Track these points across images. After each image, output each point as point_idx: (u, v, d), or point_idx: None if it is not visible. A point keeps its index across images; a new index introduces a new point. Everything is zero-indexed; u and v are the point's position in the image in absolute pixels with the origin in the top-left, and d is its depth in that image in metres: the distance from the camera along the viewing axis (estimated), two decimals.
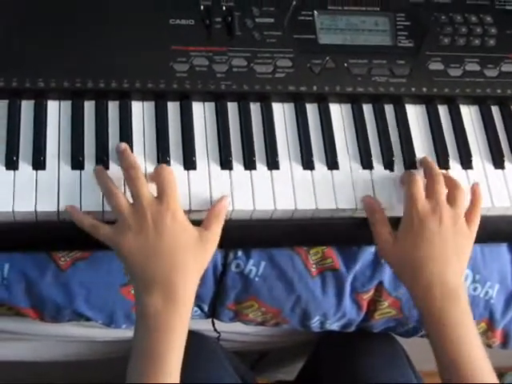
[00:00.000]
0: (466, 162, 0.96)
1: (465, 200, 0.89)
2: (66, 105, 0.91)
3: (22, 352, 1.22)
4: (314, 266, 0.95)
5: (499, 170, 0.97)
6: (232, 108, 0.94)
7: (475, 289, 0.99)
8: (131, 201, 0.82)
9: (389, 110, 0.98)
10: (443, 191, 0.88)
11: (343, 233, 0.94)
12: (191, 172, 0.88)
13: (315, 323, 1.01)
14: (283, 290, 0.95)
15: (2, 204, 0.82)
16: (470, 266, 0.98)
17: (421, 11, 1.02)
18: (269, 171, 0.91)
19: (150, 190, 0.82)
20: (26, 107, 0.89)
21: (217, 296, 0.96)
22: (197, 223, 0.83)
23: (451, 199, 0.87)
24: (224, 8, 0.97)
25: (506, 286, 1.00)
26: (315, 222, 0.91)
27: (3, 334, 1.11)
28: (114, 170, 0.86)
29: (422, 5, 1.02)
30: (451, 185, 0.89)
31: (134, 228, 0.80)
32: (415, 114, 0.99)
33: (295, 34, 0.97)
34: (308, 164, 0.92)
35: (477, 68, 1.00)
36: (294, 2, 0.99)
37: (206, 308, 0.98)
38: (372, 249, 0.96)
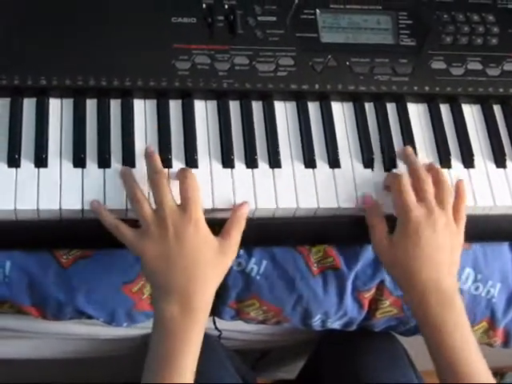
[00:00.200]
0: (468, 161, 0.96)
1: (451, 194, 0.89)
2: (68, 103, 0.91)
3: (24, 350, 1.22)
4: (315, 264, 0.95)
5: (501, 169, 0.97)
6: (234, 106, 0.94)
7: (477, 288, 0.99)
8: (153, 204, 0.82)
9: (391, 108, 0.98)
10: (432, 191, 0.88)
11: (345, 231, 0.94)
12: (193, 170, 0.88)
13: (316, 322, 1.01)
14: (285, 289, 0.95)
15: (4, 202, 0.83)
16: (472, 265, 0.98)
17: (423, 10, 1.02)
18: (271, 170, 0.91)
19: (174, 188, 0.83)
20: (28, 105, 0.89)
21: (218, 294, 0.96)
22: None
23: (439, 200, 0.87)
24: (226, 6, 0.97)
25: (508, 285, 1.00)
26: (317, 221, 0.91)
27: (5, 331, 1.11)
28: (114, 168, 0.87)
29: (425, 3, 1.03)
30: (437, 182, 0.89)
31: (156, 236, 0.80)
32: (417, 113, 0.99)
33: (297, 33, 0.97)
34: (310, 162, 0.92)
35: (479, 67, 1.00)
36: (297, 1, 0.99)
37: None
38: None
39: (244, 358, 1.28)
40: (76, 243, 0.89)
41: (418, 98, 0.99)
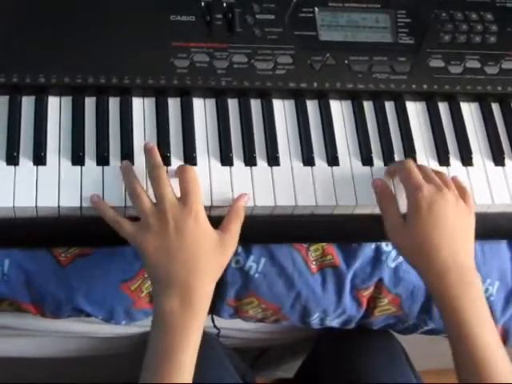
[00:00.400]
0: (467, 159, 0.96)
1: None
2: (67, 101, 0.91)
3: (22, 348, 1.22)
4: (314, 262, 0.95)
5: (499, 167, 0.97)
6: (232, 104, 0.94)
7: None
8: (153, 198, 0.83)
9: (389, 106, 0.98)
10: (435, 176, 0.88)
11: (343, 229, 0.94)
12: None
13: (315, 320, 1.01)
14: (283, 287, 0.95)
15: (3, 199, 0.83)
16: None
17: (421, 8, 1.02)
18: (269, 167, 0.91)
19: (173, 184, 0.83)
20: (27, 103, 0.89)
21: (217, 292, 0.96)
22: None
23: (444, 182, 0.88)
24: (225, 4, 0.97)
25: (506, 284, 1.00)
26: (315, 219, 0.91)
27: (4, 329, 1.11)
28: (113, 166, 0.87)
29: (423, 2, 1.03)
30: (435, 171, 0.90)
31: (156, 229, 0.80)
32: (416, 111, 0.99)
33: (296, 31, 0.97)
34: (308, 160, 0.92)
35: (477, 65, 1.00)
36: None
37: None
38: (372, 246, 0.96)
39: (243, 357, 1.28)
40: (74, 241, 0.89)
41: (417, 96, 0.99)
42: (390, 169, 0.92)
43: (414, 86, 0.98)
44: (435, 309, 0.98)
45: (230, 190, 0.88)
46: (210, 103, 0.94)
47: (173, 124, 0.91)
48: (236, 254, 0.93)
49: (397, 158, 0.94)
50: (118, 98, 0.92)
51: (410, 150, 0.95)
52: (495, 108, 1.01)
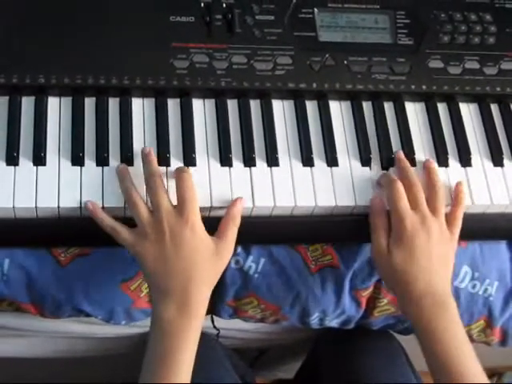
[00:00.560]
0: (465, 160, 0.96)
1: (444, 200, 0.90)
2: (67, 101, 0.91)
3: (22, 348, 1.23)
4: (313, 262, 0.95)
5: (498, 168, 0.97)
6: (232, 105, 0.94)
7: (474, 286, 0.99)
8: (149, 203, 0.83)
9: (388, 107, 0.99)
10: (424, 198, 0.88)
11: (342, 230, 0.94)
12: (191, 169, 0.88)
13: (314, 320, 1.01)
14: (282, 287, 0.95)
15: (3, 200, 0.83)
16: (469, 264, 0.98)
17: (421, 9, 1.02)
18: (268, 168, 0.91)
19: (170, 189, 0.84)
20: (27, 103, 0.90)
21: (216, 293, 0.96)
22: None
23: (432, 207, 0.88)
24: (224, 5, 0.97)
25: (505, 284, 1.00)
26: (314, 219, 0.91)
27: (3, 330, 1.11)
28: (113, 166, 0.87)
29: (422, 3, 1.03)
30: (430, 186, 0.90)
31: (153, 238, 0.81)
32: (415, 112, 0.99)
33: (295, 32, 0.98)
34: (308, 161, 0.92)
35: (476, 66, 1.00)
36: (295, 0, 0.99)
37: None
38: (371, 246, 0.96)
39: (242, 357, 1.28)
40: (74, 241, 0.90)
41: (416, 96, 0.99)
42: (381, 181, 0.92)
43: (413, 87, 0.98)
44: None
45: (229, 190, 0.88)
46: (210, 104, 0.94)
47: (172, 125, 0.91)
48: (235, 254, 0.93)
49: (396, 158, 0.94)
50: (117, 99, 0.92)
51: (408, 151, 0.95)
52: (494, 109, 1.01)
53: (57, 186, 0.85)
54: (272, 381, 1.69)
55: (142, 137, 0.90)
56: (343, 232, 0.94)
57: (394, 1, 1.02)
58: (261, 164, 0.91)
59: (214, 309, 0.99)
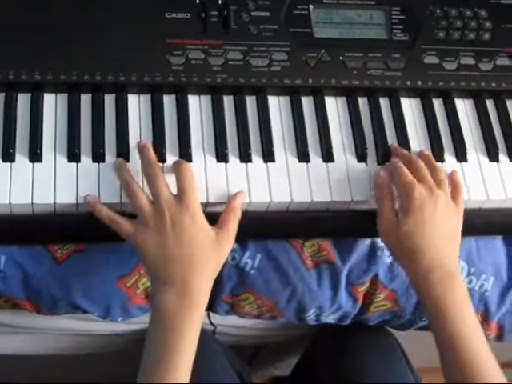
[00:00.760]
0: (461, 155, 0.96)
1: (447, 181, 0.90)
2: (63, 98, 0.91)
3: (17, 345, 1.22)
4: (309, 258, 0.95)
5: (494, 163, 0.97)
6: (228, 101, 0.94)
7: (470, 281, 1.00)
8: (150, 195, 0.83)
9: (384, 103, 0.99)
10: (428, 173, 0.89)
11: (338, 225, 0.94)
12: None
13: (311, 316, 1.01)
14: (279, 283, 0.95)
15: None
16: (465, 259, 0.98)
17: (416, 5, 1.03)
18: (264, 164, 0.91)
19: (168, 180, 0.83)
20: (23, 100, 0.90)
21: (212, 288, 0.96)
22: None
23: (437, 180, 0.88)
24: (220, 1, 0.97)
25: (501, 279, 1.01)
26: (310, 215, 0.91)
27: (0, 327, 1.11)
28: (109, 162, 0.87)
29: None
30: (431, 168, 0.90)
31: (154, 227, 0.81)
32: (410, 108, 0.99)
33: (291, 28, 0.98)
34: (303, 157, 0.92)
35: (472, 62, 1.00)
36: None
37: None
38: (367, 241, 0.96)
39: (239, 354, 1.28)
40: (70, 238, 0.90)
41: (411, 92, 0.99)
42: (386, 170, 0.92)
43: (408, 83, 0.98)
44: None
45: (225, 186, 0.88)
46: (206, 100, 0.94)
47: (168, 121, 0.91)
48: (232, 250, 0.93)
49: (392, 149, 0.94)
50: (113, 95, 0.92)
51: (404, 147, 0.95)
52: (489, 104, 1.01)
53: (53, 182, 0.85)
54: (268, 378, 1.69)
55: (138, 133, 0.90)
56: (339, 227, 0.94)
57: None
58: (257, 160, 0.91)
59: (210, 305, 0.99)
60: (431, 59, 0.99)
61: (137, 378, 0.80)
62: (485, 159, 0.97)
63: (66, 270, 0.90)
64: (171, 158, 0.89)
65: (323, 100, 0.97)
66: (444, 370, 0.85)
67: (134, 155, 0.88)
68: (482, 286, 1.00)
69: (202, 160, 0.90)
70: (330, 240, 0.96)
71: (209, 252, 0.82)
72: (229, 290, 0.96)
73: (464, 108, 1.01)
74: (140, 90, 0.93)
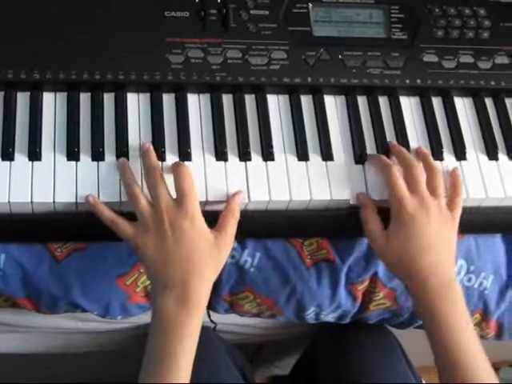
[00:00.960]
0: (460, 154, 0.97)
1: (442, 180, 0.90)
2: (62, 97, 0.91)
3: (15, 344, 1.22)
4: (308, 256, 0.95)
5: (493, 162, 0.97)
6: (227, 100, 0.94)
7: (469, 279, 1.00)
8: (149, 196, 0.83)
9: (383, 101, 0.99)
10: (423, 179, 0.89)
11: (338, 224, 0.94)
12: (186, 163, 0.88)
13: (310, 314, 1.01)
14: (278, 281, 0.95)
15: None
16: (464, 257, 0.98)
17: (415, 4, 1.03)
18: (264, 162, 0.91)
19: (168, 181, 0.84)
20: (22, 99, 0.90)
21: (212, 287, 0.96)
22: None
23: (431, 189, 0.88)
24: (219, 0, 0.97)
25: (500, 277, 1.01)
26: (310, 214, 0.91)
27: (0, 326, 1.11)
28: (108, 161, 0.87)
29: None
30: (427, 168, 0.90)
31: (153, 231, 0.81)
32: (409, 106, 0.99)
33: (290, 26, 0.98)
34: (303, 155, 0.92)
35: (471, 60, 1.01)
36: None
37: None
38: (366, 240, 0.96)
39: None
40: (70, 236, 0.90)
41: (410, 91, 0.99)
42: (374, 161, 0.93)
43: (407, 81, 0.98)
44: None
45: (224, 185, 0.88)
46: (205, 98, 0.94)
47: (167, 119, 0.91)
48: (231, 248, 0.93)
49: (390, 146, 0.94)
50: (112, 94, 0.92)
51: (403, 145, 0.95)
52: (488, 103, 1.01)
53: (52, 180, 0.85)
54: (268, 377, 1.69)
55: (138, 132, 0.90)
56: (338, 226, 0.94)
57: None
58: (256, 158, 0.91)
59: (209, 303, 0.99)
60: (430, 58, 1.00)
61: (138, 377, 0.80)
62: (484, 158, 0.97)
63: (66, 268, 0.90)
64: (170, 156, 0.89)
65: (322, 99, 0.97)
66: (439, 371, 0.85)
67: (133, 154, 0.88)
68: (481, 284, 1.00)
69: (201, 159, 0.90)
70: (329, 239, 0.96)
71: (208, 256, 0.83)
72: (228, 288, 0.96)
73: (463, 106, 1.01)
74: (139, 89, 0.93)
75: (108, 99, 0.92)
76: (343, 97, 0.98)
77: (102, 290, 0.92)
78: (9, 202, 0.83)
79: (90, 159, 0.87)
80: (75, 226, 0.87)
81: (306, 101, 0.96)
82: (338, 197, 0.90)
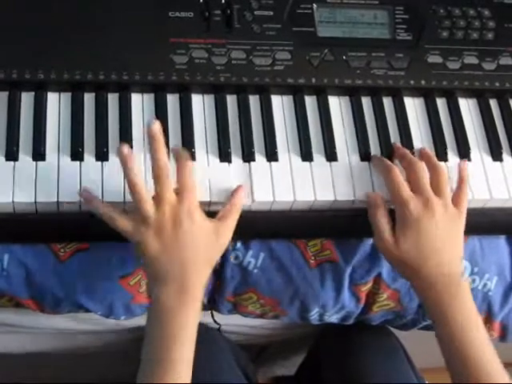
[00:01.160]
0: (465, 155, 0.96)
1: (447, 179, 0.90)
2: (66, 97, 0.91)
3: (17, 344, 1.22)
4: (312, 257, 0.95)
5: (497, 163, 0.97)
6: (231, 100, 0.94)
7: (473, 281, 0.99)
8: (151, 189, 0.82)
9: (387, 102, 0.99)
10: (427, 180, 0.88)
11: (342, 225, 0.94)
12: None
13: (314, 315, 1.01)
14: (282, 282, 0.95)
15: (2, 195, 0.83)
16: (468, 258, 0.98)
17: (419, 4, 1.02)
18: (268, 163, 0.91)
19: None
20: (26, 99, 0.90)
21: (215, 288, 0.96)
22: None
23: (435, 188, 0.88)
24: (223, 1, 0.97)
25: (505, 279, 1.00)
26: (313, 214, 0.91)
27: (3, 326, 1.11)
28: (112, 161, 0.87)
29: None
30: (430, 167, 0.90)
31: (153, 227, 0.81)
32: (414, 107, 0.99)
33: (294, 27, 0.98)
34: (307, 156, 0.92)
35: (475, 61, 1.00)
36: None
37: (204, 300, 0.98)
38: (370, 241, 0.96)
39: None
40: (73, 236, 0.90)
41: (415, 92, 0.99)
42: (376, 163, 0.92)
43: (412, 82, 0.98)
44: None
45: (228, 185, 0.88)
46: (209, 99, 0.94)
47: (171, 120, 0.91)
48: (235, 249, 0.93)
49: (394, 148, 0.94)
50: (116, 94, 0.92)
51: (407, 146, 0.95)
52: (493, 104, 1.01)
53: (56, 180, 0.85)
54: (272, 378, 1.69)
55: (142, 132, 0.90)
56: (343, 227, 0.94)
57: None
58: (260, 159, 0.91)
59: (213, 304, 0.99)
60: (435, 59, 0.99)
61: (136, 378, 0.80)
62: (488, 158, 0.97)
63: (69, 268, 0.90)
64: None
65: (326, 99, 0.97)
66: (449, 371, 0.85)
67: (137, 154, 0.87)
68: (485, 285, 1.00)
69: (205, 159, 0.90)
70: (332, 239, 0.95)
71: (206, 245, 0.82)
72: (232, 289, 0.96)
73: (467, 107, 1.01)
74: (143, 89, 0.93)
75: (112, 99, 0.92)
76: (347, 97, 0.98)
77: (106, 290, 0.93)
78: (13, 202, 0.83)
79: (94, 159, 0.87)
80: (79, 226, 0.87)
81: (310, 101, 0.96)
82: (342, 197, 0.90)
